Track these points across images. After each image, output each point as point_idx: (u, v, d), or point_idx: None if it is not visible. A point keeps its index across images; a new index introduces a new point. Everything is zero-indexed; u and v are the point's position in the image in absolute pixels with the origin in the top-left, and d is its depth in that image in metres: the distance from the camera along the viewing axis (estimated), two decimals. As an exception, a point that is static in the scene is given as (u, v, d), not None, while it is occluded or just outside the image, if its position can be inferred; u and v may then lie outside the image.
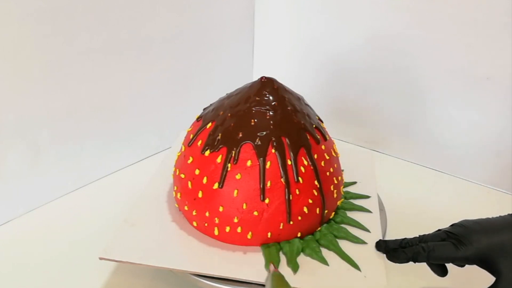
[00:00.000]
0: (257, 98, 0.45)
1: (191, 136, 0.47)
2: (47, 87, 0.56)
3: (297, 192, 0.42)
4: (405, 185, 0.67)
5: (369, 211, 0.49)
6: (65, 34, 0.56)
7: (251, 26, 0.84)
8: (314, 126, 0.46)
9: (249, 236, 0.42)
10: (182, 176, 0.46)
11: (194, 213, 0.44)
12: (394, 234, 0.46)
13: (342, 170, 0.51)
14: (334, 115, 0.78)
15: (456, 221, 0.40)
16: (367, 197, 0.51)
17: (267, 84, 0.46)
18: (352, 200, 0.51)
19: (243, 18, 0.82)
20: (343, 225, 0.46)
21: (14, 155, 0.55)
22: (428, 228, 0.42)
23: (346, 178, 0.54)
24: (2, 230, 0.56)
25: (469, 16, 0.61)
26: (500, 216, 0.39)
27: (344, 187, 0.52)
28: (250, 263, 0.41)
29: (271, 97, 0.45)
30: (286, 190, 0.41)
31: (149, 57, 0.67)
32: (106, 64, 0.62)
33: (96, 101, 0.62)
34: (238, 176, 0.41)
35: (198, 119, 0.49)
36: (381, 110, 0.75)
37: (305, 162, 0.43)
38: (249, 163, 0.42)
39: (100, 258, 0.41)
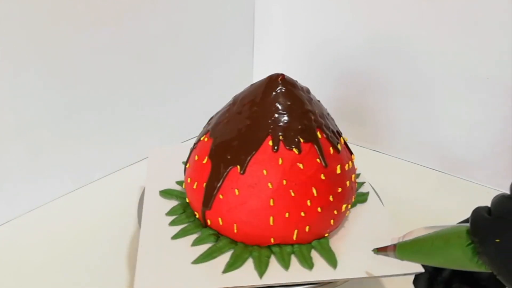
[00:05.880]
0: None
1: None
2: (47, 87, 0.56)
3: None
4: (405, 185, 0.67)
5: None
6: (65, 34, 0.56)
7: (251, 26, 0.84)
8: None
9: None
10: None
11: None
12: (393, 233, 0.45)
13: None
14: (334, 115, 0.78)
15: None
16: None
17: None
18: None
19: (243, 18, 0.82)
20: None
21: (14, 155, 0.55)
22: (428, 228, 0.42)
23: None
24: (2, 230, 0.56)
25: (469, 16, 0.61)
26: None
27: None
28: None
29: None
30: None
31: (149, 57, 0.67)
32: (106, 64, 0.62)
33: (96, 101, 0.63)
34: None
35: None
36: (381, 110, 0.75)
37: None
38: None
39: None
